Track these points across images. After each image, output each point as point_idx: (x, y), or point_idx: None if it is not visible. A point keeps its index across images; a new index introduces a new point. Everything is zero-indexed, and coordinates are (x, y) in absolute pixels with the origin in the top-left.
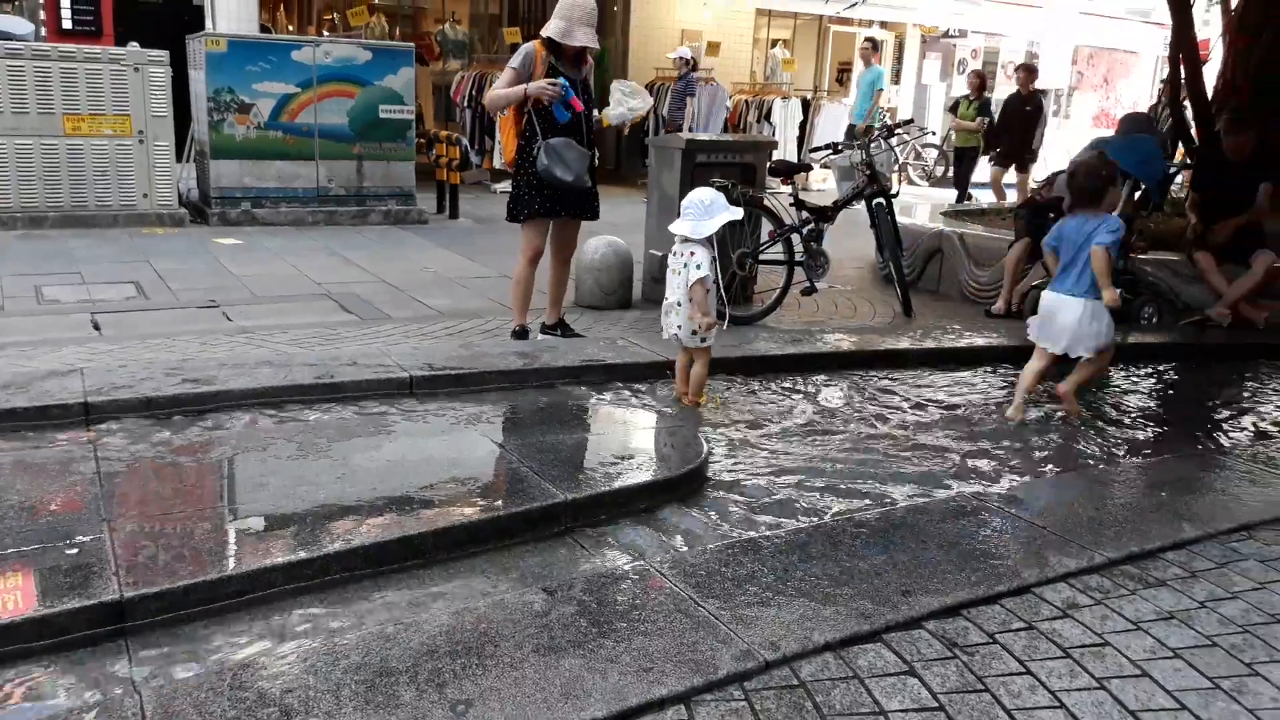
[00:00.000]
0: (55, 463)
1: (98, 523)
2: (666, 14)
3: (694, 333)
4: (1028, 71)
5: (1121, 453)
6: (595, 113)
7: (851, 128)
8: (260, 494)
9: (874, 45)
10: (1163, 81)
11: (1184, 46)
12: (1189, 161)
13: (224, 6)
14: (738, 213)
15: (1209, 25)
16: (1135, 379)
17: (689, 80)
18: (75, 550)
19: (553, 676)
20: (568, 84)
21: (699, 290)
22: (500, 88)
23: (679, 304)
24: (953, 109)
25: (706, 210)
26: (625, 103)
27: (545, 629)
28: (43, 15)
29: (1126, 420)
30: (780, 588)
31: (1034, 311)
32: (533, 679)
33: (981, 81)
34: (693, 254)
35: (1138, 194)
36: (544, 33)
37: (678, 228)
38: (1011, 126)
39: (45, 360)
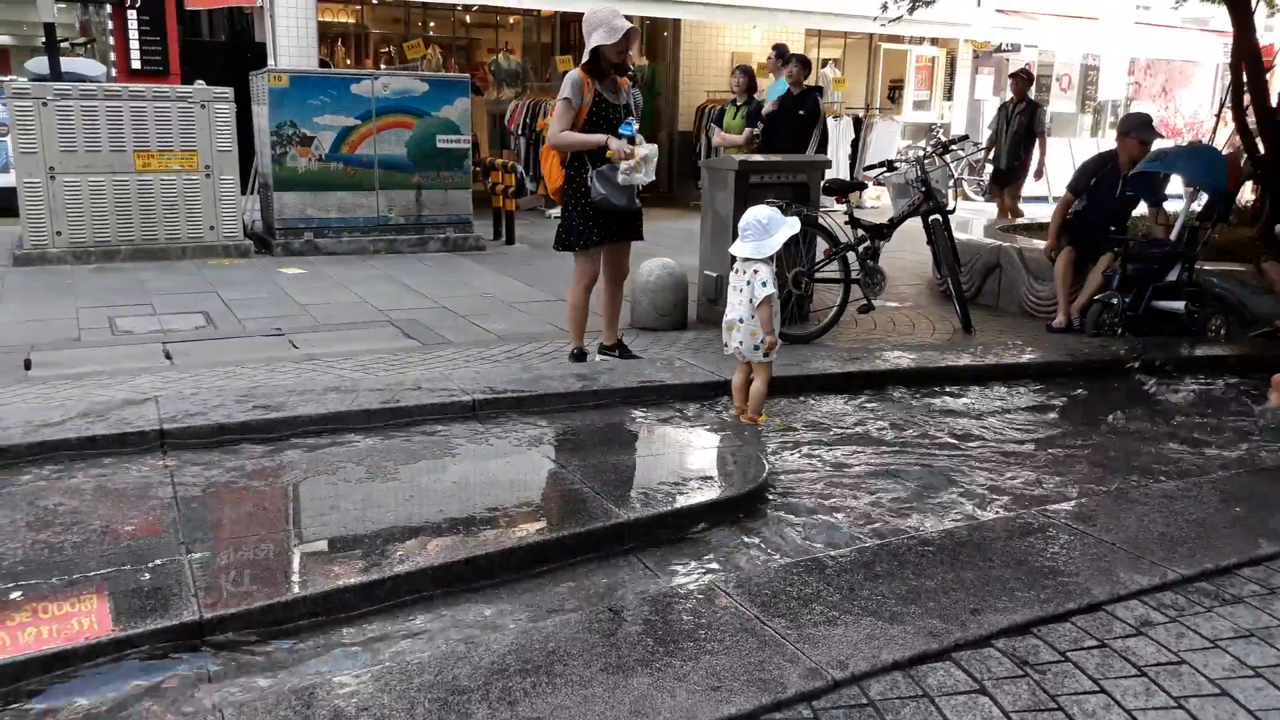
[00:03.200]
0: (134, 488)
1: (176, 546)
2: (716, 38)
3: (756, 348)
4: (801, 65)
5: (1192, 468)
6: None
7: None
8: (331, 516)
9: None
10: (1225, 90)
11: (1246, 54)
12: (1256, 170)
13: (285, 43)
14: (795, 225)
15: (1271, 31)
16: (1206, 392)
17: None
18: (155, 572)
19: (622, 695)
20: (625, 123)
21: (765, 310)
22: (560, 122)
23: (741, 320)
24: (717, 119)
25: (765, 229)
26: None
27: (613, 648)
28: (113, 57)
29: (1197, 434)
30: (847, 606)
31: (1096, 324)
32: (602, 697)
33: (750, 81)
34: (756, 272)
35: (1200, 204)
36: (589, 50)
37: (739, 249)
38: (778, 135)
39: (121, 389)
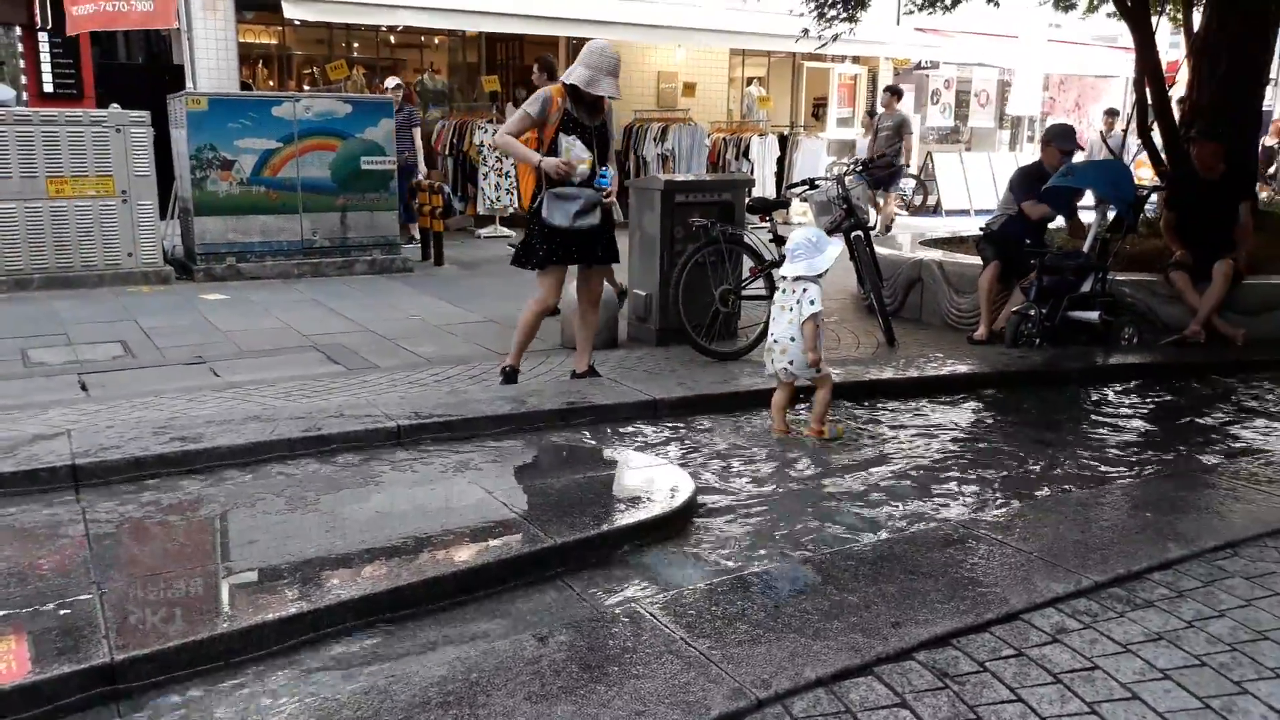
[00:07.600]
0: (44, 527)
1: (87, 585)
2: (641, 58)
3: (808, 365)
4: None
5: (1107, 475)
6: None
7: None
8: (250, 550)
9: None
10: (1131, 106)
11: (1149, 70)
12: (1161, 183)
13: (204, 65)
14: (841, 244)
15: (1177, 48)
16: (1118, 400)
17: (409, 113)
18: (65, 613)
19: None
20: (600, 175)
21: (810, 327)
22: (512, 129)
23: (793, 339)
24: None
25: (815, 247)
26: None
27: (537, 676)
28: (24, 80)
29: (1110, 442)
30: (771, 624)
31: (1015, 336)
32: None
33: None
34: (806, 290)
35: (1111, 216)
36: (567, 79)
37: (790, 270)
38: None
39: (32, 424)
